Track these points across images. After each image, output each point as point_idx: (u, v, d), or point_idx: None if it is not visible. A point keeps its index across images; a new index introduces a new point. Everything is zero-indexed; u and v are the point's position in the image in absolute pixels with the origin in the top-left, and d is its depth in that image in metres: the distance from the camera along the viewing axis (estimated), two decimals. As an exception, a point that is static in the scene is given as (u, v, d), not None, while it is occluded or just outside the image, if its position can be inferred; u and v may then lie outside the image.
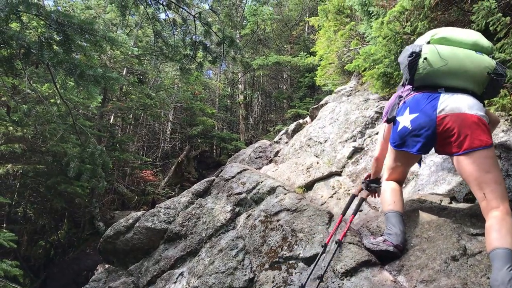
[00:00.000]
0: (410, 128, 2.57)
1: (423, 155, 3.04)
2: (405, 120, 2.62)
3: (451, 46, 2.59)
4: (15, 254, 9.04)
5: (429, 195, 3.26)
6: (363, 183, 3.41)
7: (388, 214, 2.72)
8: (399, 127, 2.66)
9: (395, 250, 2.53)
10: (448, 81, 2.56)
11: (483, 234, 2.36)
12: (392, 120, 2.81)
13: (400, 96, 2.91)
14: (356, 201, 3.37)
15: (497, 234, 2.09)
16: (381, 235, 2.75)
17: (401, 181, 2.94)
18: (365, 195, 3.33)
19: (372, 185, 3.34)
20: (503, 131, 3.27)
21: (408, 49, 2.69)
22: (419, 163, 3.06)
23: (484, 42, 2.63)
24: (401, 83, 3.08)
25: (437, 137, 2.46)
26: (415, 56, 2.62)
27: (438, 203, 3.01)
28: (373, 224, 3.13)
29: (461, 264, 2.25)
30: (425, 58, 2.57)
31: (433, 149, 2.64)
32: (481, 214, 2.34)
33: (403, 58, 2.71)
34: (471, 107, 2.40)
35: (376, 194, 3.34)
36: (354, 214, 3.19)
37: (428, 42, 2.70)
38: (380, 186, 3.19)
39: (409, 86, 2.82)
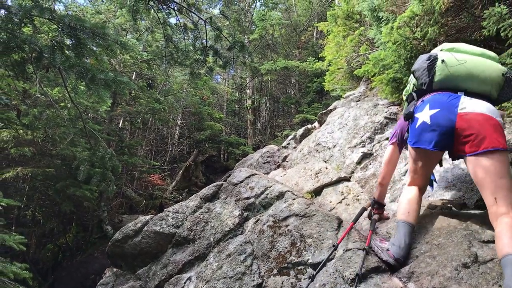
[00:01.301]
0: (429, 123, 2.57)
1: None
2: (425, 115, 2.62)
3: (463, 54, 2.69)
4: (23, 257, 9.08)
5: (439, 201, 3.23)
6: (372, 201, 3.42)
7: (399, 223, 2.71)
8: (418, 123, 2.68)
9: (394, 264, 2.56)
10: (467, 84, 2.62)
11: (494, 241, 2.34)
12: (409, 117, 2.82)
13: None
14: (365, 213, 3.45)
15: (508, 240, 2.06)
16: (388, 240, 2.75)
17: (423, 185, 2.90)
18: (377, 218, 3.26)
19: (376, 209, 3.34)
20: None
21: (423, 56, 2.84)
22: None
23: (491, 53, 2.76)
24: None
25: (455, 134, 2.47)
26: (433, 59, 2.73)
27: (449, 210, 2.99)
28: (382, 230, 3.11)
29: (472, 271, 2.22)
30: (443, 60, 2.67)
31: (447, 154, 2.67)
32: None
33: (420, 63, 2.83)
34: (491, 111, 2.44)
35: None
36: (354, 221, 3.24)
37: (441, 51, 2.81)
38: (382, 212, 3.32)
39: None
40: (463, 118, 2.43)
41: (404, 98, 3.32)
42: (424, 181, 2.88)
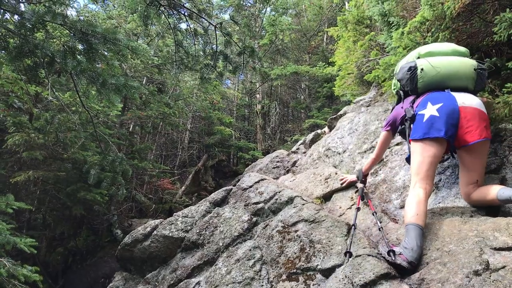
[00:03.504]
0: (438, 115, 2.88)
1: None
2: (431, 110, 2.95)
3: (437, 56, 3.18)
4: (34, 260, 9.12)
5: (450, 207, 3.20)
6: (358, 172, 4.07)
7: (409, 226, 2.70)
8: (425, 118, 2.96)
9: (408, 267, 2.53)
10: (449, 83, 3.08)
11: (506, 249, 2.31)
12: (413, 118, 3.11)
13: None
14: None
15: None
16: (398, 245, 2.73)
17: (429, 187, 2.94)
18: (362, 186, 3.94)
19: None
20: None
21: (404, 67, 3.29)
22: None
23: (461, 48, 3.25)
24: (398, 99, 3.70)
25: (459, 124, 2.84)
26: (414, 69, 3.18)
27: (460, 216, 2.96)
28: (392, 237, 3.09)
29: (483, 279, 2.19)
30: (422, 69, 3.14)
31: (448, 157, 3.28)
32: (504, 228, 2.32)
33: (403, 74, 3.28)
34: (481, 105, 2.92)
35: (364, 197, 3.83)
36: (362, 198, 3.78)
37: (418, 58, 3.30)
38: (364, 187, 3.95)
39: (411, 98, 3.35)
40: (464, 110, 2.85)
41: (394, 92, 3.78)
42: (429, 180, 2.96)
